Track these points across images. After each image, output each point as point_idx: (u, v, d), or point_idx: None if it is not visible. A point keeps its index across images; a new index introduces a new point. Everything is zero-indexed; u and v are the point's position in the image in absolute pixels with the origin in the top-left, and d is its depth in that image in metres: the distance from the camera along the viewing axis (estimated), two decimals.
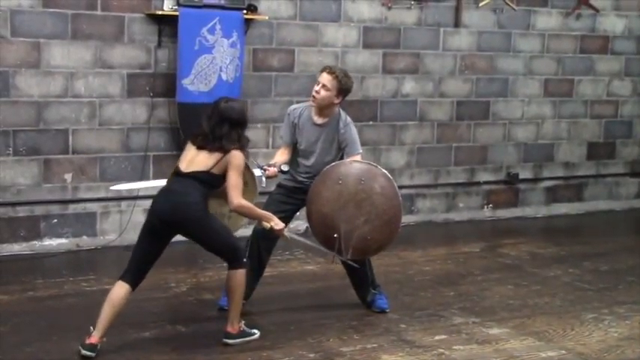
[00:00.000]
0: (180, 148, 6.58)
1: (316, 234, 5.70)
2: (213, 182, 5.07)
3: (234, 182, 5.03)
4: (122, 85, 7.44)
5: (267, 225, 5.33)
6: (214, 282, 6.52)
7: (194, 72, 7.41)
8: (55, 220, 7.36)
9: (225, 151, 5.03)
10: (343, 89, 5.70)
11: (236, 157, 5.04)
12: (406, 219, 8.77)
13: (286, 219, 5.81)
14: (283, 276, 6.85)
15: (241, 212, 5.22)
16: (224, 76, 7.50)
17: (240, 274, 5.12)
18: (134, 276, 5.06)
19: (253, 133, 7.92)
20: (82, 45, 7.24)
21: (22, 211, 7.24)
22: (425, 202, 9.07)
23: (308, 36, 8.19)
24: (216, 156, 5.04)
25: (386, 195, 5.56)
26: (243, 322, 5.28)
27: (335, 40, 8.32)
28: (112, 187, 6.55)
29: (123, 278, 5.05)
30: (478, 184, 9.34)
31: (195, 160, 5.08)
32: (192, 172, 5.04)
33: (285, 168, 5.82)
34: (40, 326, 5.47)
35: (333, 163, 5.66)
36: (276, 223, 5.33)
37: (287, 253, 7.32)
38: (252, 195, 5.40)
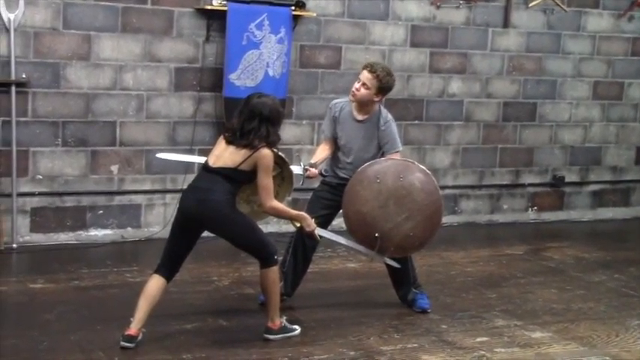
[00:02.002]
0: None
1: (355, 234, 5.69)
2: (240, 179, 4.99)
3: (264, 184, 4.95)
4: (170, 78, 7.49)
5: (297, 225, 5.30)
6: (256, 276, 6.46)
7: (241, 67, 7.43)
8: (101, 211, 7.44)
9: (253, 148, 4.92)
10: (384, 88, 5.66)
11: (265, 157, 4.93)
12: (449, 219, 8.74)
13: (330, 216, 5.81)
14: (325, 273, 6.85)
15: (273, 214, 5.22)
16: (271, 72, 7.52)
17: (272, 272, 5.08)
18: (168, 269, 5.07)
19: (299, 129, 7.96)
20: (132, 38, 7.31)
21: (69, 202, 7.33)
22: (469, 202, 9.02)
23: (355, 33, 8.17)
24: (244, 153, 4.93)
25: (426, 190, 5.54)
26: (284, 317, 5.28)
27: (382, 38, 8.30)
28: (157, 155, 6.54)
29: (157, 271, 5.07)
30: (523, 186, 9.26)
31: (223, 155, 5.00)
32: (219, 168, 4.96)
33: (326, 172, 5.84)
34: (84, 315, 5.53)
35: (368, 163, 5.64)
36: (308, 225, 5.27)
37: (329, 250, 7.31)
38: (287, 191, 5.39)
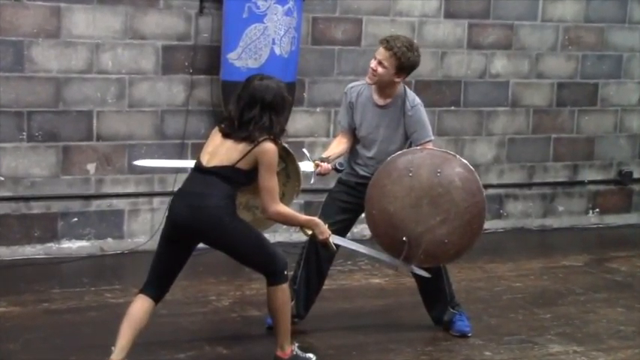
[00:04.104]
0: None
1: (378, 237, 5.67)
2: (240, 179, 4.96)
3: (266, 184, 4.91)
4: (156, 59, 7.51)
5: (308, 232, 5.28)
6: (261, 295, 6.48)
7: (242, 44, 7.44)
8: (75, 219, 7.46)
9: (253, 142, 4.88)
10: (405, 66, 5.61)
11: (268, 152, 4.89)
12: (493, 225, 8.72)
13: (349, 222, 5.79)
14: (344, 290, 6.85)
15: (279, 220, 5.20)
16: (277, 50, 7.52)
17: (282, 291, 5.06)
18: (156, 288, 5.04)
19: (312, 118, 7.96)
20: (110, 11, 7.32)
21: (36, 208, 7.34)
22: (516, 204, 9.01)
23: (379, 3, 8.17)
24: (242, 147, 4.89)
25: (467, 189, 5.52)
26: (296, 344, 5.27)
27: (411, 8, 8.29)
28: (134, 162, 6.57)
29: (144, 291, 5.03)
30: (582, 183, 9.25)
31: (218, 151, 4.97)
32: (215, 168, 4.93)
33: (341, 166, 5.81)
34: (55, 344, 5.53)
35: (400, 152, 5.62)
36: (321, 232, 5.23)
37: (349, 262, 7.30)
38: (294, 192, 5.37)
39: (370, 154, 5.78)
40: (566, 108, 9.06)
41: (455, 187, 5.50)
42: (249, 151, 4.89)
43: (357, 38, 8.14)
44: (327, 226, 5.27)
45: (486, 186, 8.68)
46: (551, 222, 9.15)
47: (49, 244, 7.40)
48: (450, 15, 8.45)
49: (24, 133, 7.21)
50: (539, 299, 6.87)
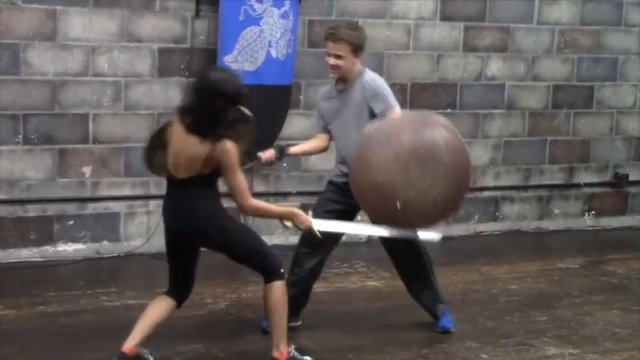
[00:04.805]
0: None
1: (373, 212, 5.60)
2: (213, 178, 4.96)
3: (234, 183, 4.88)
4: (152, 62, 7.51)
5: (288, 224, 5.18)
6: (258, 298, 6.46)
7: (238, 47, 7.44)
8: (71, 222, 7.45)
9: (214, 140, 4.81)
10: (358, 45, 5.67)
11: (228, 153, 4.82)
12: (490, 227, 8.73)
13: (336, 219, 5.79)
14: (341, 293, 6.84)
15: (256, 214, 5.20)
16: (274, 53, 7.52)
17: (278, 288, 5.06)
18: (176, 291, 5.15)
19: (308, 121, 7.95)
20: (106, 14, 7.32)
21: (32, 211, 7.34)
22: (512, 207, 9.01)
23: (375, 5, 8.17)
24: (203, 149, 4.82)
25: (452, 148, 5.47)
26: (293, 346, 5.26)
27: (407, 11, 8.29)
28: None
29: (166, 292, 5.15)
30: (578, 186, 9.25)
31: (181, 153, 4.89)
32: (186, 179, 4.92)
33: (290, 150, 5.85)
34: (51, 347, 5.51)
35: (375, 124, 5.56)
36: (301, 221, 5.15)
37: (345, 265, 7.30)
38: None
39: (342, 142, 5.78)
40: (562, 110, 9.07)
41: (438, 147, 5.45)
42: (210, 154, 4.83)
43: None
44: (309, 214, 5.23)
45: (482, 188, 8.75)
46: (547, 224, 9.15)
47: (45, 247, 7.39)
48: (446, 17, 8.45)
49: (20, 136, 7.21)
50: (535, 301, 6.86)
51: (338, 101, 5.78)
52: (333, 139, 5.90)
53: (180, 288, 5.15)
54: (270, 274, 5.06)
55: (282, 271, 5.10)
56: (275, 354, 5.15)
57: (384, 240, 5.83)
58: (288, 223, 5.17)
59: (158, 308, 5.08)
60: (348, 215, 5.80)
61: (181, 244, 5.06)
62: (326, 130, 5.90)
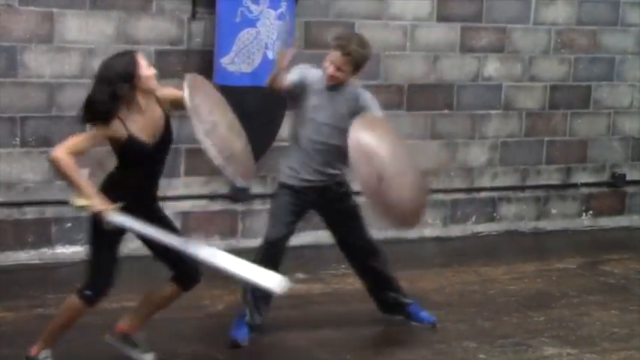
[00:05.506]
0: None
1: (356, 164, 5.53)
2: (120, 157, 5.24)
3: (70, 138, 5.03)
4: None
5: (79, 202, 4.86)
6: None
7: (235, 49, 7.44)
8: (69, 224, 7.45)
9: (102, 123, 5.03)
10: (361, 64, 5.70)
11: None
12: (487, 228, 8.73)
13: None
14: (338, 294, 6.85)
15: (55, 167, 4.98)
16: (270, 55, 7.52)
17: (73, 302, 5.13)
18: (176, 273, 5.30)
19: None
20: (103, 16, 7.32)
21: (30, 213, 7.34)
22: (510, 207, 9.01)
23: (371, 6, 8.17)
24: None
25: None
26: (50, 353, 5.13)
27: (403, 12, 8.29)
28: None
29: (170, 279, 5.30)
30: (575, 186, 9.25)
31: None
32: None
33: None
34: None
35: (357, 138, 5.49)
36: (97, 204, 4.85)
37: (343, 266, 7.29)
38: None
39: (321, 139, 5.77)
40: (559, 111, 9.07)
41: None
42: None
43: None
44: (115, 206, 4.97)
45: (480, 189, 8.75)
46: (545, 225, 9.15)
47: (43, 250, 7.39)
48: (442, 18, 8.45)
49: (17, 139, 7.21)
50: (533, 302, 6.87)
51: (327, 97, 5.75)
52: (304, 136, 5.79)
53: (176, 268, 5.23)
54: (81, 287, 5.09)
55: (89, 294, 5.05)
56: (31, 349, 5.10)
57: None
58: (81, 202, 4.85)
59: (157, 290, 5.25)
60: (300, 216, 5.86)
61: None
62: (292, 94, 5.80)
